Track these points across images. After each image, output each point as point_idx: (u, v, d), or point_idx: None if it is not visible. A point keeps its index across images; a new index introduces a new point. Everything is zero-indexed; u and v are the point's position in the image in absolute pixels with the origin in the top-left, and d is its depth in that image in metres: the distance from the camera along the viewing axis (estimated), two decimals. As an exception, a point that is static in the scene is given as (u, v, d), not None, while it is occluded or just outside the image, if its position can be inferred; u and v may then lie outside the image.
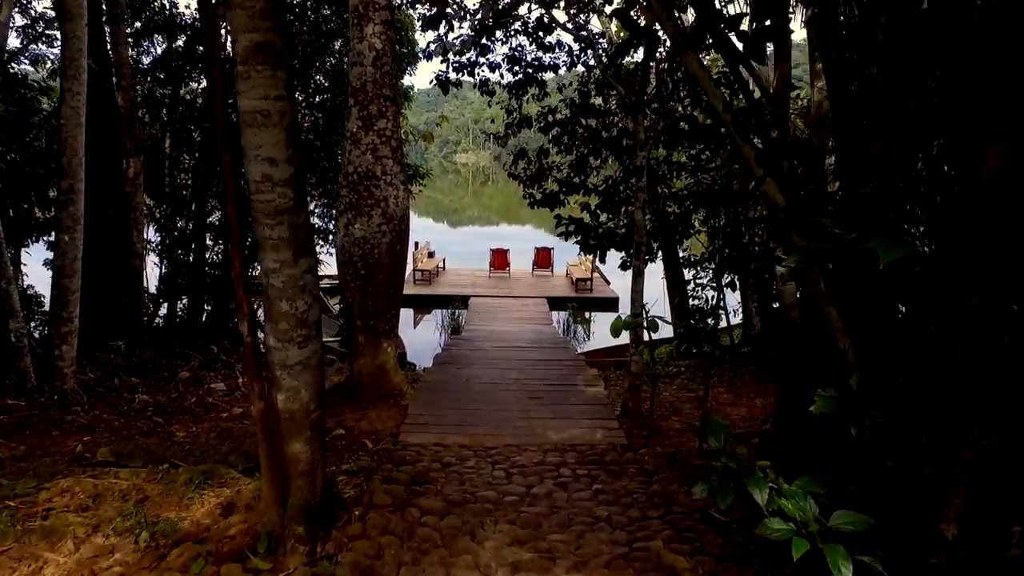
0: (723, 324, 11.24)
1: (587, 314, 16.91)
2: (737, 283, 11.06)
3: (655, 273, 23.25)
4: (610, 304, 17.40)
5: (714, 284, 11.25)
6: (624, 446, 5.46)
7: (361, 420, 6.53)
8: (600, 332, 15.58)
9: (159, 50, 11.86)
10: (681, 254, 11.38)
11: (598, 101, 8.99)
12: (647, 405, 6.80)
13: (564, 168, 8.98)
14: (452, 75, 8.77)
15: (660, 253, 10.74)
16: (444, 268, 21.02)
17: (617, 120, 8.79)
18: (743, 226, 11.26)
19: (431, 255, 20.96)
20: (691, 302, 11.32)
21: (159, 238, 11.99)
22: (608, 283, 18.88)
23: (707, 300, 11.26)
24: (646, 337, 6.27)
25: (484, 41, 8.69)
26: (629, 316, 5.94)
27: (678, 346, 11.16)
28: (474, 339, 10.94)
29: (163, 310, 11.25)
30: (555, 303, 16.51)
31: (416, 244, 21.04)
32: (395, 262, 7.03)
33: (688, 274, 11.38)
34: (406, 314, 17.53)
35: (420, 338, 14.47)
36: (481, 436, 5.72)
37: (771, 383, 8.77)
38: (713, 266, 11.28)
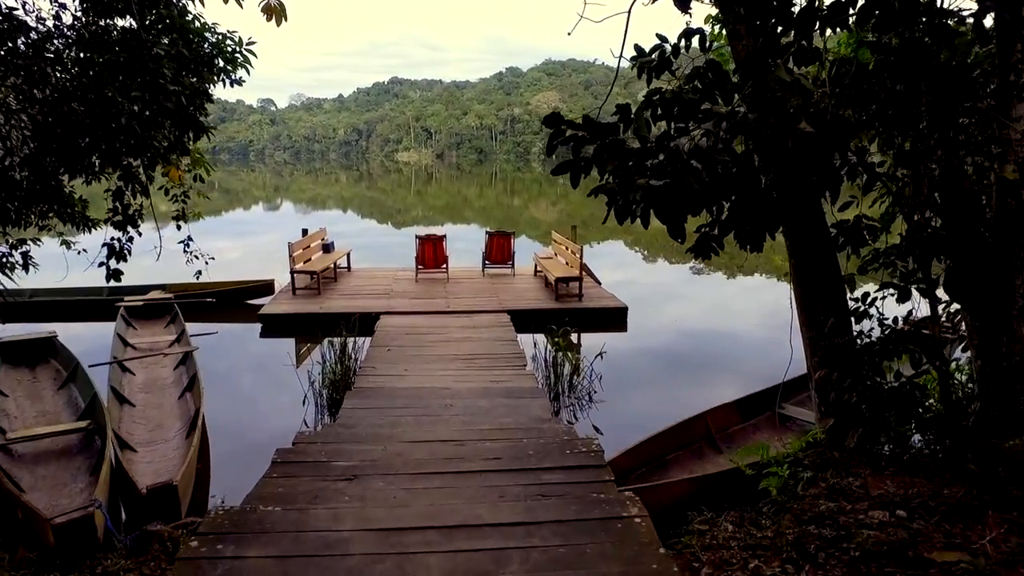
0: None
1: (573, 337, 10.28)
2: (942, 282, 4.66)
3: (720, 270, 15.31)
4: (615, 319, 10.75)
5: (908, 283, 4.75)
6: None
7: None
8: (609, 375, 8.57)
9: None
10: (831, 218, 4.82)
11: None
12: None
13: None
14: None
15: (780, 220, 4.17)
16: (349, 268, 14.03)
17: None
18: (969, 152, 4.85)
19: (326, 249, 13.94)
20: (855, 326, 4.80)
21: None
22: (599, 283, 12.33)
23: (888, 322, 4.81)
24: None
25: None
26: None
27: (834, 437, 4.66)
28: (346, 444, 4.17)
29: None
30: (522, 319, 9.86)
31: (305, 231, 13.93)
32: None
33: (849, 266, 4.90)
34: (281, 345, 10.36)
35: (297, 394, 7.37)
36: None
37: None
38: (903, 245, 4.79)
